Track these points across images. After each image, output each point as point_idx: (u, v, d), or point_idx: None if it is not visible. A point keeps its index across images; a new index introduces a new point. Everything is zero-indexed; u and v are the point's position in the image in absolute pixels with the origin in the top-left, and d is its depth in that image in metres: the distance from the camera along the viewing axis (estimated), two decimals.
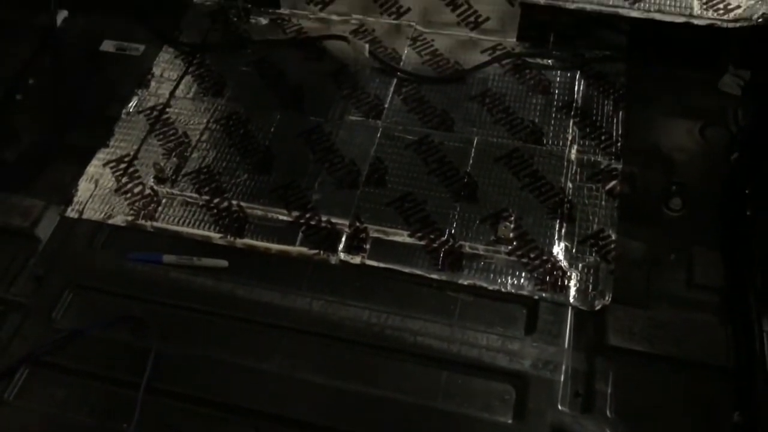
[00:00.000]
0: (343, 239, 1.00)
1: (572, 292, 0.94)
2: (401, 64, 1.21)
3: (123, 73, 1.23)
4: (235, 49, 1.26)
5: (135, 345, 0.93)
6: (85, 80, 1.23)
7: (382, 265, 0.98)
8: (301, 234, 1.01)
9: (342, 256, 0.99)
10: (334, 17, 1.28)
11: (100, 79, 1.23)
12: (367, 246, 1.00)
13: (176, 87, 1.20)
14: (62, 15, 1.30)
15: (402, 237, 1.00)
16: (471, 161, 1.08)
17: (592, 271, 0.96)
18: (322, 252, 0.99)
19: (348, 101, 1.16)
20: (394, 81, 1.18)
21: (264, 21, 1.30)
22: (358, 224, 1.01)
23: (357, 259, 0.99)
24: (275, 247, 1.00)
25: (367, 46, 1.20)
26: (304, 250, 1.00)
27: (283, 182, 1.06)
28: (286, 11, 1.30)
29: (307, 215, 1.03)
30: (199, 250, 1.01)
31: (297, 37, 1.26)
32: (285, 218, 1.03)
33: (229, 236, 1.02)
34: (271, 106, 1.16)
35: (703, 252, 0.96)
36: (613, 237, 0.99)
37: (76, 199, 1.07)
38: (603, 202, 1.02)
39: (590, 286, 0.95)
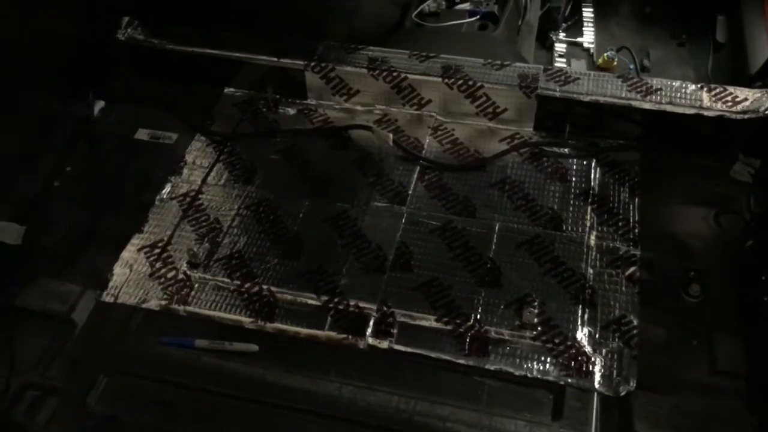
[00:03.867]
0: (371, 324, 1.03)
1: (597, 377, 0.96)
2: (423, 152, 1.26)
3: (156, 161, 1.29)
4: (264, 137, 1.31)
5: (166, 430, 0.95)
6: (120, 167, 1.28)
7: (409, 349, 1.00)
8: (329, 318, 1.04)
9: (370, 340, 1.01)
10: (359, 107, 1.34)
11: (135, 166, 1.28)
12: (395, 331, 1.02)
13: (208, 174, 1.26)
14: (99, 105, 1.37)
15: (428, 322, 1.03)
16: (494, 247, 1.11)
17: (615, 356, 0.98)
18: (350, 336, 1.02)
19: (373, 188, 1.21)
20: (417, 168, 1.23)
21: (291, 111, 1.36)
22: (385, 309, 1.04)
23: (385, 344, 1.01)
24: (304, 331, 1.03)
25: (390, 135, 1.25)
26: (332, 334, 1.02)
27: (311, 267, 1.10)
28: (312, 102, 1.37)
29: (336, 300, 1.06)
30: (230, 334, 1.04)
31: (323, 127, 1.32)
32: (314, 302, 1.06)
33: (259, 320, 1.05)
34: (299, 192, 1.21)
35: (724, 338, 0.99)
36: (635, 323, 1.01)
37: (111, 284, 1.10)
38: (623, 288, 1.05)
39: (615, 372, 0.97)
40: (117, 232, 1.18)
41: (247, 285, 1.09)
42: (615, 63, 1.50)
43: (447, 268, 1.09)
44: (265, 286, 1.08)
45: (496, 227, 1.14)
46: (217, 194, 1.22)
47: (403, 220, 1.16)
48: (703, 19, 1.54)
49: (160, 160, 1.29)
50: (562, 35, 1.62)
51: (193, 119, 1.35)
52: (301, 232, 1.15)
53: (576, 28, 1.65)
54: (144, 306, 1.07)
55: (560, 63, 1.55)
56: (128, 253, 1.14)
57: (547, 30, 1.61)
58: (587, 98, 1.22)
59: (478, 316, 1.03)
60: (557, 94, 1.24)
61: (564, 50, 1.58)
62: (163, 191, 1.23)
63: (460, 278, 1.08)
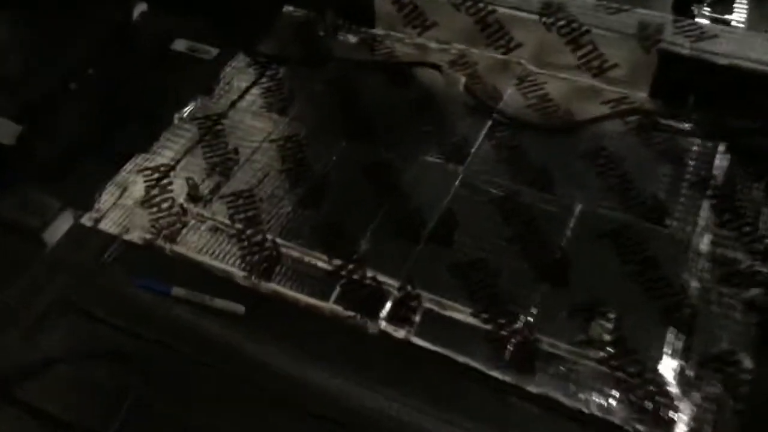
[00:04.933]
0: (389, 304, 0.80)
1: (681, 431, 0.69)
2: (500, 104, 1.00)
3: (188, 76, 1.10)
4: (314, 65, 1.10)
5: (117, 385, 0.76)
6: (146, 78, 1.10)
7: (431, 346, 0.76)
8: (338, 288, 0.82)
9: (383, 325, 0.78)
10: (433, 44, 1.10)
11: (163, 78, 1.10)
12: (417, 318, 0.78)
13: (240, 98, 1.05)
14: (140, 8, 1.19)
15: (462, 315, 0.78)
16: (568, 233, 0.85)
17: (712, 405, 0.70)
18: (359, 316, 0.79)
19: (428, 138, 0.96)
20: (488, 123, 0.98)
21: (353, 39, 1.13)
22: (409, 288, 0.80)
23: (401, 333, 0.77)
24: (305, 299, 0.81)
25: (462, 78, 1.00)
26: (338, 309, 0.80)
27: (329, 220, 0.88)
28: (380, 32, 1.13)
29: (350, 266, 0.83)
30: (216, 287, 0.83)
31: (384, 60, 1.09)
32: (323, 266, 0.84)
33: (254, 277, 0.83)
34: (338, 131, 0.99)
35: None
36: (747, 365, 0.72)
37: (97, 206, 0.92)
38: (738, 315, 0.76)
39: (707, 427, 0.69)
40: (122, 148, 1.00)
41: (249, 231, 0.88)
42: None
43: (500, 249, 0.84)
44: (269, 236, 0.87)
45: (577, 209, 0.87)
46: (243, 121, 1.02)
47: (457, 182, 0.91)
48: None
49: (193, 75, 1.10)
50: (706, 10, 1.30)
51: (239, 35, 1.15)
52: (329, 178, 0.93)
53: (726, 2, 1.32)
54: (125, 237, 0.89)
55: None
56: (125, 173, 0.96)
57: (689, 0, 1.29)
58: (725, 61, 0.93)
59: (530, 319, 0.77)
60: (686, 52, 0.95)
61: None
62: (185, 110, 1.04)
63: (515, 265, 0.82)
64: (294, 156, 0.96)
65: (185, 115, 1.03)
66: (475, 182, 0.91)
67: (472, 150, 0.95)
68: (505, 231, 0.85)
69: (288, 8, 1.20)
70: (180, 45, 1.15)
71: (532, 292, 0.80)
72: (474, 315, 0.78)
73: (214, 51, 1.13)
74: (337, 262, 0.84)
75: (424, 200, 0.89)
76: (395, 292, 0.80)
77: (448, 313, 0.79)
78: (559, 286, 0.80)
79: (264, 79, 1.08)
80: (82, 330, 0.82)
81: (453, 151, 0.94)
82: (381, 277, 0.81)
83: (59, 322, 0.82)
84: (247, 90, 1.07)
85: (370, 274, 0.82)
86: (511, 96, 1.02)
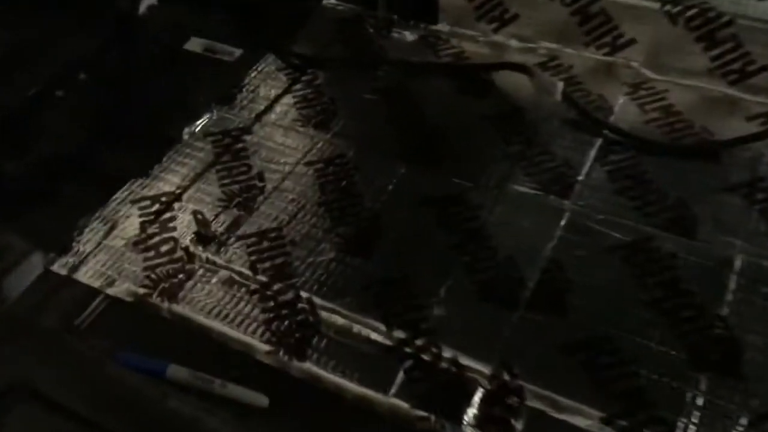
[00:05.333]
0: (477, 399, 0.55)
1: None
2: (612, 119, 0.76)
3: (204, 82, 0.88)
4: (362, 68, 0.87)
5: None
6: (152, 84, 0.88)
7: None
8: (401, 375, 0.57)
9: (469, 431, 0.53)
10: (513, 42, 0.87)
11: (173, 85, 0.88)
12: (519, 424, 0.53)
13: (269, 108, 0.82)
14: (148, 1, 0.97)
15: (587, 420, 0.53)
16: (729, 297, 0.59)
17: None
18: (433, 417, 0.54)
19: (517, 162, 0.72)
20: (598, 143, 0.74)
21: (411, 37, 0.90)
22: (507, 377, 0.55)
23: None
24: (353, 389, 0.56)
25: (560, 83, 0.76)
26: (402, 405, 0.55)
27: (386, 274, 0.63)
28: (444, 28, 0.90)
29: (418, 342, 0.58)
30: (231, 366, 0.59)
31: (454, 63, 0.85)
32: (380, 339, 0.59)
33: (282, 353, 0.59)
34: (394, 152, 0.75)
35: None
36: None
37: (76, 247, 0.69)
38: None
39: None
40: (115, 172, 0.77)
41: (277, 286, 0.64)
42: None
43: (634, 322, 0.58)
44: (304, 294, 0.63)
45: (736, 262, 0.62)
46: (272, 138, 0.79)
47: (563, 222, 0.66)
48: None
49: (210, 80, 0.88)
50: None
51: (267, 32, 0.92)
52: (384, 215, 0.69)
53: None
54: (110, 292, 0.65)
55: None
56: (115, 204, 0.73)
57: None
58: None
59: (693, 429, 0.52)
60: None
61: None
62: (198, 123, 0.81)
63: (660, 347, 0.57)
64: (337, 184, 0.72)
65: (197, 129, 0.81)
66: (588, 222, 0.66)
67: (579, 178, 0.70)
68: (639, 294, 0.60)
69: (329, 1, 0.97)
70: (195, 44, 0.93)
71: (689, 388, 0.54)
72: (606, 421, 0.53)
73: (237, 52, 0.91)
74: (400, 334, 0.59)
75: (518, 247, 0.64)
76: (485, 383, 0.55)
77: (564, 416, 0.54)
78: (728, 377, 0.55)
79: (298, 86, 0.85)
80: (43, 425, 0.58)
81: (553, 180, 0.70)
82: (464, 359, 0.57)
83: (13, 412, 0.59)
84: (277, 99, 0.84)
85: (447, 354, 0.57)
86: (623, 108, 0.77)
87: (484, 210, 0.68)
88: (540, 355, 0.57)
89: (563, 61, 0.83)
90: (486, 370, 0.56)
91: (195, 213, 0.68)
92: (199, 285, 0.65)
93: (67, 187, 0.75)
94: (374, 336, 0.59)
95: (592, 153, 0.72)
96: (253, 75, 0.87)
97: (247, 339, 0.61)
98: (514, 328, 0.58)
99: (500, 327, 0.59)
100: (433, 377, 0.56)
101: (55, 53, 0.90)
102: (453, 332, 0.58)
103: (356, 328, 0.60)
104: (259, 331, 0.61)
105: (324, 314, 0.61)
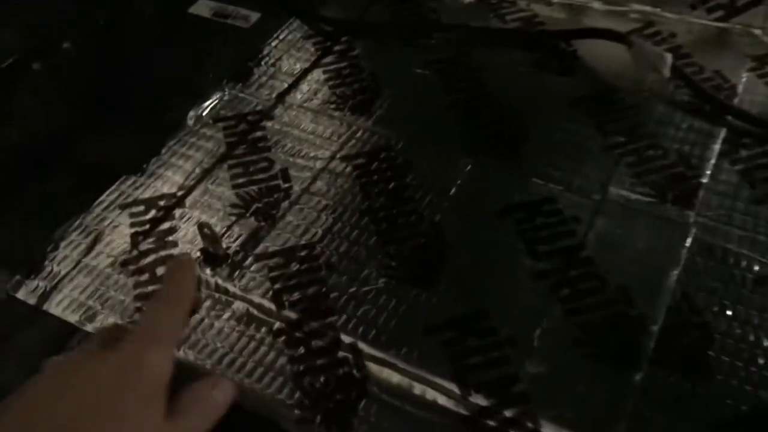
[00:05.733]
0: None
1: None
2: (736, 101, 0.59)
3: (214, 54, 0.72)
4: (410, 36, 0.70)
5: None
6: (150, 57, 0.72)
7: None
8: None
9: None
10: (596, 5, 0.70)
11: (176, 58, 0.71)
12: None
13: (293, 86, 0.66)
14: None
15: None
16: None
17: None
18: None
19: (619, 160, 0.55)
20: (721, 133, 0.57)
21: None
22: None
23: None
24: None
25: (669, 57, 0.59)
26: None
27: (457, 314, 0.47)
28: None
29: (507, 413, 0.42)
30: None
31: (525, 29, 0.68)
32: (452, 407, 0.43)
33: (318, 420, 0.44)
34: (455, 144, 0.58)
35: None
36: None
37: (49, 267, 0.54)
38: None
39: None
40: (99, 166, 0.61)
41: (310, 326, 0.48)
42: None
43: None
44: (347, 338, 0.47)
45: None
46: (299, 124, 0.62)
47: (689, 239, 0.50)
48: None
49: (221, 52, 0.72)
50: None
51: None
52: (447, 228, 0.52)
53: None
54: (90, 328, 0.50)
55: None
56: (100, 210, 0.57)
57: None
58: None
59: None
60: None
61: None
62: (205, 106, 0.65)
63: None
64: (384, 186, 0.56)
65: (205, 113, 0.65)
66: (723, 243, 0.49)
67: (704, 180, 0.53)
68: None
69: None
70: (202, 8, 0.77)
71: None
72: None
73: (254, 16, 0.75)
74: (480, 400, 0.43)
75: (634, 274, 0.48)
76: None
77: None
78: None
79: (330, 58, 0.69)
80: None
81: (669, 182, 0.53)
82: None
83: None
84: (303, 74, 0.67)
85: (547, 425, 0.41)
86: (748, 87, 0.60)
87: (582, 224, 0.51)
88: (672, 429, 0.41)
89: (662, 28, 0.66)
90: None
91: (201, 226, 0.52)
92: (206, 321, 0.49)
93: (38, 186, 0.60)
94: (443, 401, 0.44)
95: (716, 147, 0.56)
96: (273, 45, 0.71)
97: (269, 400, 0.45)
98: (638, 393, 0.42)
99: (618, 391, 0.42)
100: None
101: (32, 16, 0.74)
102: (554, 399, 0.42)
103: (418, 388, 0.44)
104: (286, 389, 0.45)
105: (373, 368, 0.45)
